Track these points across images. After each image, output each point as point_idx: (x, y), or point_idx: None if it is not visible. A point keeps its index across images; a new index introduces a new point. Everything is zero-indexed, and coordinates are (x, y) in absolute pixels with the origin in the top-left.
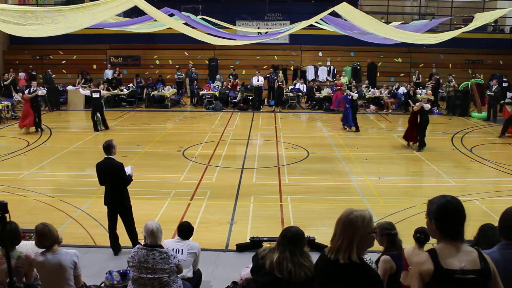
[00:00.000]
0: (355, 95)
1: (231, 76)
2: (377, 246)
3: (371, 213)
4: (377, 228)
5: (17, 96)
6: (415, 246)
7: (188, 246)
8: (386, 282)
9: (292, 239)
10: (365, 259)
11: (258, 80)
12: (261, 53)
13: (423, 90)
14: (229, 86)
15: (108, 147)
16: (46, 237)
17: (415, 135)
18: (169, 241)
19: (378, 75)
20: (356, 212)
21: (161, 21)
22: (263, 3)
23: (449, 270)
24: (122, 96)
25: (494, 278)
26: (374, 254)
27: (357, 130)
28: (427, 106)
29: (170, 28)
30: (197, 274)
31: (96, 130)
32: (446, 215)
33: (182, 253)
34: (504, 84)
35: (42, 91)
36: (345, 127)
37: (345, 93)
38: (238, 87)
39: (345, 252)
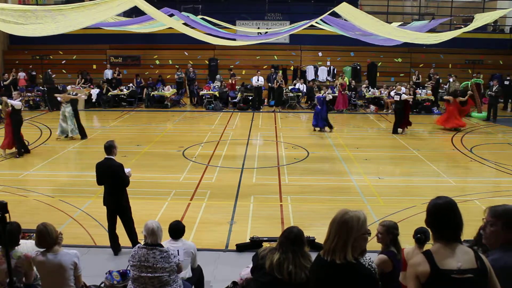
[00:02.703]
0: (329, 96)
1: (218, 76)
2: (378, 246)
3: (365, 214)
4: (384, 226)
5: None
6: (415, 247)
7: (183, 246)
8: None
9: (295, 239)
10: (365, 259)
11: (258, 80)
12: (261, 53)
13: (423, 90)
14: (228, 87)
15: (109, 148)
16: (44, 237)
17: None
18: (163, 243)
19: (378, 75)
20: (351, 212)
21: (161, 21)
22: (263, 3)
23: (445, 271)
24: (122, 96)
25: (491, 276)
26: (374, 254)
27: (322, 130)
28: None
29: (170, 28)
30: (197, 272)
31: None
32: (438, 217)
33: (178, 254)
34: (506, 83)
35: (15, 103)
36: (317, 128)
37: (320, 93)
38: (237, 87)
39: (341, 252)
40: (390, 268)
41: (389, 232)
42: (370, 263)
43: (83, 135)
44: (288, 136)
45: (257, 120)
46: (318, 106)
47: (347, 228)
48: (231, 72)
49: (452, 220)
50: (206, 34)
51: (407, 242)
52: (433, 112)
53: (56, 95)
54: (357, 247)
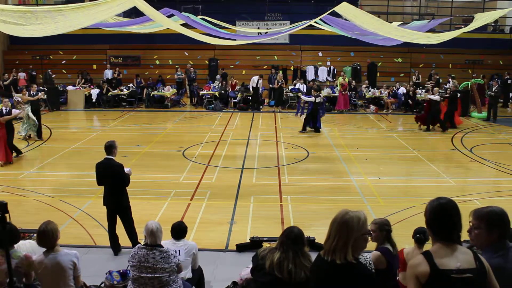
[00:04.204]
0: (314, 98)
1: (218, 77)
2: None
3: (366, 215)
4: (376, 223)
5: (17, 97)
6: (415, 247)
7: (184, 246)
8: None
9: (296, 239)
10: (366, 258)
11: (257, 82)
12: (261, 53)
13: (423, 90)
14: (227, 87)
15: (110, 147)
16: (45, 238)
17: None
18: (165, 243)
19: (378, 75)
20: (352, 212)
21: (160, 22)
22: (263, 3)
23: (445, 270)
24: (122, 96)
25: (490, 277)
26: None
27: (303, 130)
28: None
29: (170, 28)
30: (198, 273)
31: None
32: (436, 217)
33: (179, 254)
34: (510, 81)
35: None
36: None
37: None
38: (237, 87)
39: (341, 252)
40: (384, 265)
41: (382, 229)
42: (370, 262)
43: (40, 135)
44: (288, 136)
45: (257, 120)
46: (310, 107)
47: (348, 229)
48: (223, 72)
49: (452, 221)
50: (205, 34)
51: (406, 242)
52: None
53: (17, 95)
54: (358, 248)
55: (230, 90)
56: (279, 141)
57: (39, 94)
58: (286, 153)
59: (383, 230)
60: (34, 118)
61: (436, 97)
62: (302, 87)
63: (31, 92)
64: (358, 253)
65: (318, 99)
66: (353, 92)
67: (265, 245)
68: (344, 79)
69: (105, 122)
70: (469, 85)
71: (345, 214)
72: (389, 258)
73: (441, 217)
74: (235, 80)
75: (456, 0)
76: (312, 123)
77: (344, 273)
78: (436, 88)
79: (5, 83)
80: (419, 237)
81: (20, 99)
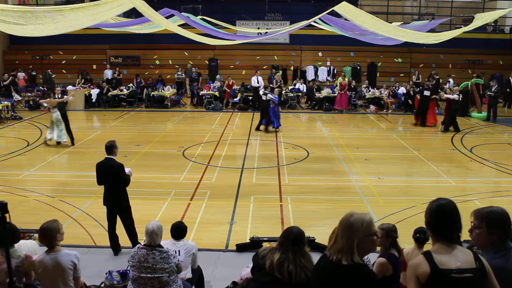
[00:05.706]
0: (269, 96)
1: (218, 77)
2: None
3: (371, 217)
4: (383, 229)
5: (17, 96)
6: (415, 247)
7: (184, 246)
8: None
9: (295, 239)
10: (364, 261)
11: (258, 81)
12: (261, 53)
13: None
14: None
15: (111, 147)
16: (45, 235)
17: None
18: (164, 243)
19: (378, 75)
20: (356, 215)
21: (158, 23)
22: (263, 3)
23: (445, 270)
24: (122, 96)
25: (490, 276)
26: (372, 255)
27: (265, 129)
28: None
29: (168, 29)
30: (197, 273)
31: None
32: (436, 218)
33: (179, 254)
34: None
35: None
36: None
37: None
38: (237, 87)
39: (347, 254)
40: (390, 271)
41: (388, 235)
42: (367, 262)
43: (71, 140)
44: (288, 136)
45: (257, 120)
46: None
47: (351, 231)
48: (197, 71)
49: (452, 221)
50: (203, 34)
51: (407, 242)
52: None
53: (41, 101)
54: (363, 249)
55: (228, 90)
56: (279, 141)
57: (65, 96)
58: (286, 153)
59: (390, 236)
60: (60, 124)
61: (455, 96)
62: (302, 87)
63: (56, 96)
64: (364, 255)
65: (264, 97)
66: (353, 92)
67: (265, 245)
68: (344, 79)
69: (105, 122)
70: (469, 85)
71: (350, 216)
72: (395, 264)
73: (441, 218)
74: (232, 80)
75: (456, 0)
76: (266, 121)
77: (348, 273)
78: (456, 88)
79: (4, 83)
80: (419, 237)
81: (20, 98)
